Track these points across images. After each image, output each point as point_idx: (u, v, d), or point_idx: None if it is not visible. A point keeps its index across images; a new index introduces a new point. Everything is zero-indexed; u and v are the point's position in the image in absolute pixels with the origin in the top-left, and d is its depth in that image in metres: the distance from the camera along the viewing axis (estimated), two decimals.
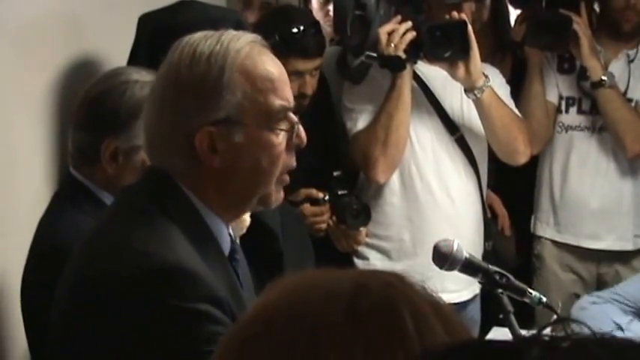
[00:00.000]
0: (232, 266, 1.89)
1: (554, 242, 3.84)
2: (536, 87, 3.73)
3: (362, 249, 3.51)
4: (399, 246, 3.47)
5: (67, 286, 1.87)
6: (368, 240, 3.49)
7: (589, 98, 3.71)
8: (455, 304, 3.40)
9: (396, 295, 0.97)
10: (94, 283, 1.78)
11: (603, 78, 3.59)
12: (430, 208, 3.43)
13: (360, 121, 3.39)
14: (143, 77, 2.39)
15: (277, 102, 1.82)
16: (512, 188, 3.79)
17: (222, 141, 1.78)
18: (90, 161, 2.40)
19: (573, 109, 3.76)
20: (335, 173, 3.35)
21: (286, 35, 3.23)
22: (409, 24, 3.26)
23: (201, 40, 1.82)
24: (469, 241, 3.26)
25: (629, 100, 3.68)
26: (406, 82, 3.31)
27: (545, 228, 3.86)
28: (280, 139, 1.82)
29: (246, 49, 1.82)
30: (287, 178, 1.88)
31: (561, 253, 3.84)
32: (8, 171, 2.66)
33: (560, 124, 3.77)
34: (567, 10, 3.59)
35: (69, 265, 1.89)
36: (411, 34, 3.25)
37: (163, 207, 1.81)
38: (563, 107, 3.77)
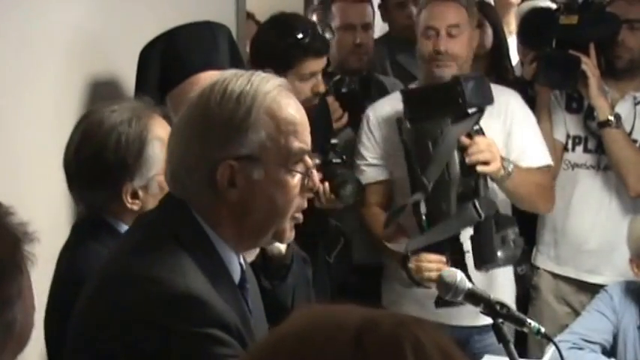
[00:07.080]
0: (242, 294, 1.95)
1: (553, 274, 3.88)
2: (545, 125, 3.76)
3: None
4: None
5: (80, 312, 1.91)
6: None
7: (595, 137, 3.76)
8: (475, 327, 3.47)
9: (404, 334, 0.99)
10: (105, 309, 1.83)
11: (610, 118, 3.64)
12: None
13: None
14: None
15: (297, 144, 1.88)
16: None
17: (241, 176, 1.84)
18: (110, 210, 2.38)
19: (580, 148, 3.81)
20: (333, 141, 3.45)
21: (298, 41, 3.37)
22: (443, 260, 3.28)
23: (233, 78, 1.88)
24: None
25: (634, 141, 3.73)
26: None
27: (545, 260, 3.90)
28: (296, 181, 1.89)
29: (274, 92, 1.88)
30: (300, 216, 1.95)
31: (558, 285, 3.87)
32: (22, 188, 2.64)
33: (567, 161, 3.81)
34: (576, 50, 3.64)
35: (83, 293, 1.93)
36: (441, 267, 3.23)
37: (177, 235, 1.86)
38: (570, 145, 3.82)
